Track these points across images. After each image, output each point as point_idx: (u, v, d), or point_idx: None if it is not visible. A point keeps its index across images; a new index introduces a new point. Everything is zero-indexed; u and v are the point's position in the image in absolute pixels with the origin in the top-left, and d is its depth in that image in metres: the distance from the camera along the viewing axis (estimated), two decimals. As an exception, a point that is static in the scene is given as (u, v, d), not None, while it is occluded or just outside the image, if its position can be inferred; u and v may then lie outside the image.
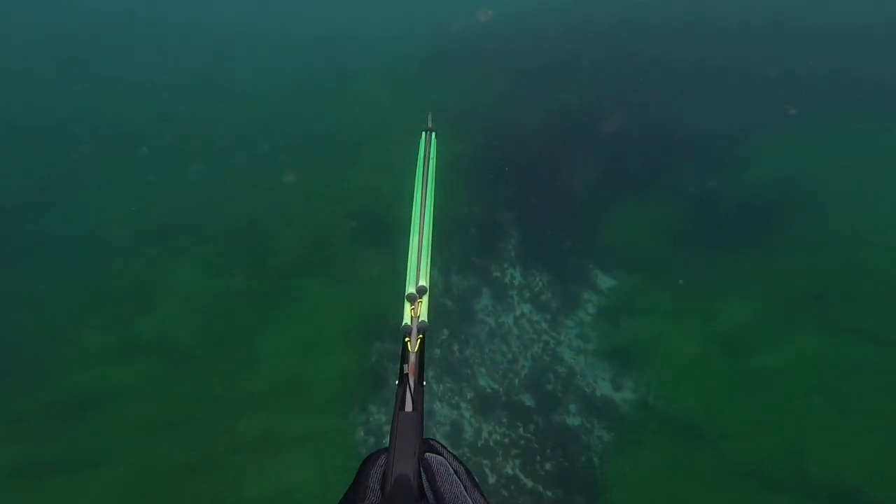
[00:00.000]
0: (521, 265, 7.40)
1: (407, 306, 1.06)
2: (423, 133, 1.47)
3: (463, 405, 6.20)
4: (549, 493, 5.58)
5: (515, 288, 7.23)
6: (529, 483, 5.65)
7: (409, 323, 1.04)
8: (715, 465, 5.55)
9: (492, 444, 5.95)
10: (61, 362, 6.30)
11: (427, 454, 0.83)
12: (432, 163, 1.39)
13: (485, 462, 5.78)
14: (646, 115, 8.71)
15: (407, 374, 0.95)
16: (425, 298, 1.08)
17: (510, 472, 5.74)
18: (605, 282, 7.25)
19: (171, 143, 9.27)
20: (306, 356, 6.19)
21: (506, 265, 7.38)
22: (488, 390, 6.35)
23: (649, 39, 10.81)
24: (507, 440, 5.99)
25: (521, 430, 6.06)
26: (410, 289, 1.07)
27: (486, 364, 6.56)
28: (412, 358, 0.97)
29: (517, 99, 8.91)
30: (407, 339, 1.01)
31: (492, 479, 5.64)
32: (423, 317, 1.06)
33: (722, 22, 10.99)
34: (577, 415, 6.23)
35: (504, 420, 6.14)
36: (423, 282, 1.09)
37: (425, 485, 0.79)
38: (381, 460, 0.83)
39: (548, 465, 5.78)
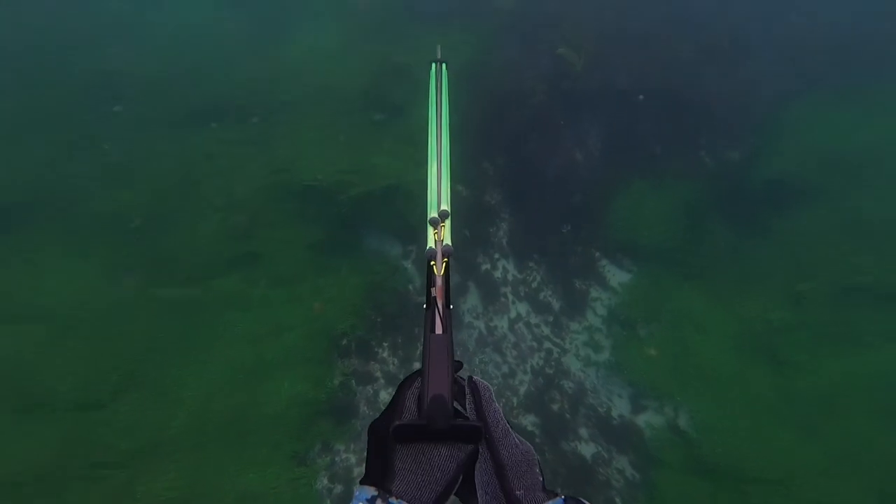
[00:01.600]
0: (514, 255, 6.09)
1: (430, 231, 1.05)
2: (433, 64, 1.39)
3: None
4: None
5: (509, 284, 5.93)
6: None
7: (433, 247, 1.03)
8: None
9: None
10: None
11: (476, 378, 0.89)
12: (445, 92, 1.32)
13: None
14: (658, 75, 7.42)
15: (435, 297, 0.95)
16: (448, 222, 1.08)
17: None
18: (617, 275, 6.06)
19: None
20: (244, 385, 4.61)
21: (497, 255, 6.05)
22: (480, 413, 5.08)
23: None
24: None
25: (523, 465, 4.84)
26: (433, 213, 1.07)
27: (477, 379, 5.27)
28: (439, 281, 0.97)
29: (506, 50, 7.37)
30: (432, 262, 1.00)
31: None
32: (447, 240, 1.05)
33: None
34: (590, 441, 5.06)
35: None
36: (445, 206, 1.08)
37: (469, 406, 0.87)
38: (418, 383, 0.86)
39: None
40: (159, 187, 6.01)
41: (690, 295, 5.80)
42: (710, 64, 7.64)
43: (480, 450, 0.83)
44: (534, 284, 5.95)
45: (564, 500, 0.78)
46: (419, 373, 0.87)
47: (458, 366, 0.92)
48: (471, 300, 5.79)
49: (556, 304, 5.85)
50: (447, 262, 1.03)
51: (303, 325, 5.17)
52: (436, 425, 0.79)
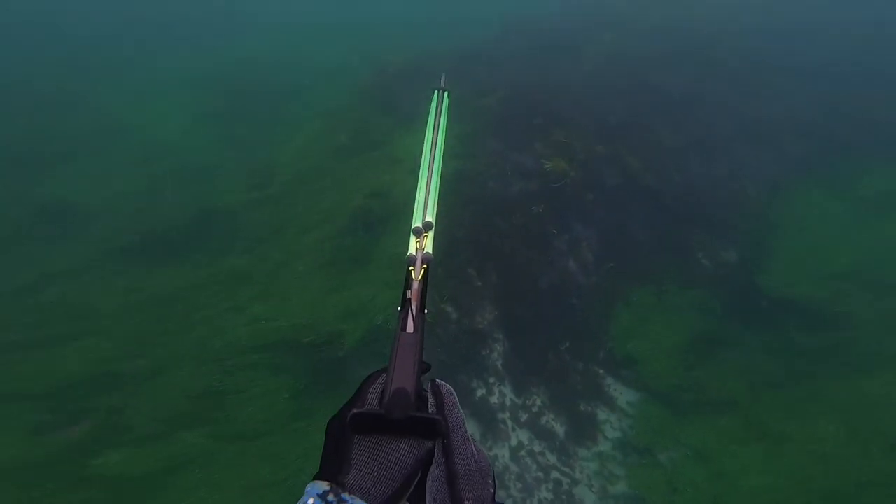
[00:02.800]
0: (511, 378, 5.67)
1: (412, 239, 1.11)
2: (436, 92, 1.48)
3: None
4: None
5: (508, 409, 5.42)
6: None
7: (413, 254, 1.08)
8: None
9: None
10: None
11: (439, 381, 0.88)
12: (444, 118, 1.40)
13: None
14: (652, 169, 7.79)
15: (409, 299, 0.97)
16: (430, 233, 1.13)
17: None
18: (625, 394, 5.57)
19: None
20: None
21: (492, 380, 5.64)
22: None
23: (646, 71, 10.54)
24: None
25: None
26: (417, 223, 1.13)
27: (478, 520, 4.47)
28: (415, 285, 1.00)
29: (491, 156, 7.80)
30: (411, 268, 1.04)
31: None
32: (428, 249, 1.09)
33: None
34: None
35: None
36: (430, 218, 1.14)
37: (431, 408, 0.85)
38: (382, 379, 0.86)
39: None
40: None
41: (719, 421, 5.24)
42: (697, 156, 8.16)
43: (435, 455, 0.81)
44: (534, 409, 5.44)
45: None
46: (385, 369, 0.87)
47: (426, 367, 0.93)
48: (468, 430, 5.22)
49: (560, 430, 5.28)
50: (426, 269, 1.06)
51: (280, 483, 4.55)
52: (394, 415, 0.78)
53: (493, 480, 0.84)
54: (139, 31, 15.23)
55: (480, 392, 5.51)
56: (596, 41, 12.49)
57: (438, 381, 0.89)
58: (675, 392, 5.56)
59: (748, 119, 9.62)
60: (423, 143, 1.36)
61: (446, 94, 1.50)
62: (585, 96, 9.58)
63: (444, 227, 6.39)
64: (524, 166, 7.61)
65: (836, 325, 6.07)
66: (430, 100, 1.51)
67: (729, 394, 5.46)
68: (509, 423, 5.31)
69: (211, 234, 7.12)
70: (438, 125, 1.40)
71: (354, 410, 0.79)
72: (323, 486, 0.74)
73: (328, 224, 6.78)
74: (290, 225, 7.04)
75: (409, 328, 0.93)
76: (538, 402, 5.51)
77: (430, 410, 0.86)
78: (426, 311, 1.00)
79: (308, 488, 0.75)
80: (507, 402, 5.47)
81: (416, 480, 0.80)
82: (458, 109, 8.86)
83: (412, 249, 1.10)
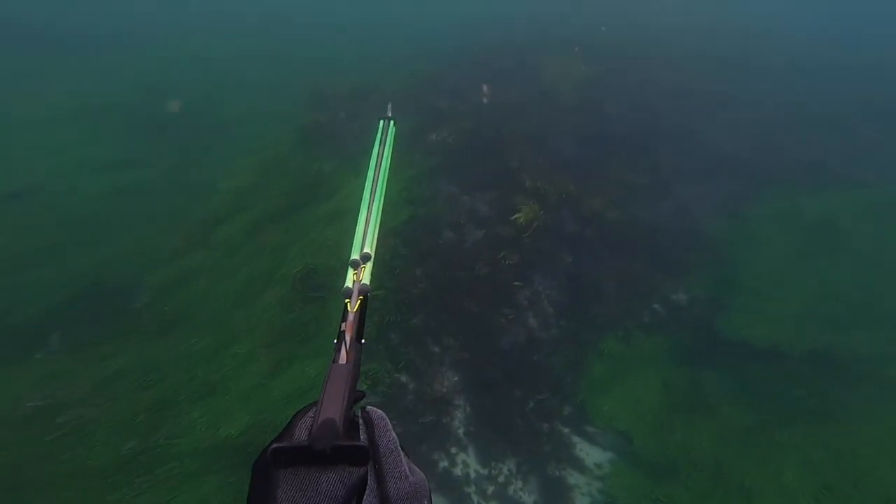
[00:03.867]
0: (474, 447, 5.34)
1: (350, 272, 1.12)
2: (381, 121, 1.48)
3: None
4: None
5: (472, 482, 5.05)
6: None
7: (350, 286, 1.09)
8: None
9: None
10: None
11: (370, 407, 0.89)
12: (388, 148, 1.40)
13: None
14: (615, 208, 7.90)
15: (344, 331, 0.98)
16: (369, 266, 1.14)
17: None
18: (592, 454, 5.33)
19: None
20: None
21: (454, 450, 5.29)
22: None
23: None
24: None
25: None
26: (355, 255, 1.14)
27: None
28: (350, 317, 1.02)
29: (446, 208, 7.58)
30: (347, 300, 1.06)
31: None
32: (366, 281, 1.12)
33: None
34: None
35: None
36: (368, 249, 1.15)
37: (362, 434, 0.85)
38: (312, 412, 0.83)
39: None
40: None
41: (697, 481, 5.05)
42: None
43: (368, 481, 0.80)
44: (500, 479, 5.10)
45: None
46: (315, 403, 0.85)
47: (360, 395, 0.93)
48: (430, 507, 4.79)
49: (529, 500, 4.93)
50: (362, 300, 1.07)
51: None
52: (318, 445, 0.75)
53: (429, 501, 0.83)
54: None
55: (443, 464, 5.14)
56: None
57: (369, 407, 0.89)
58: (647, 450, 5.37)
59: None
60: (365, 176, 1.35)
61: (392, 122, 1.50)
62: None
63: (399, 284, 6.16)
64: (481, 212, 7.55)
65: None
66: (376, 129, 1.52)
67: (700, 447, 5.32)
68: (475, 497, 4.93)
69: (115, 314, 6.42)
70: (383, 155, 1.40)
71: (275, 445, 0.76)
72: None
73: (265, 293, 6.33)
74: (217, 298, 6.55)
75: (342, 359, 0.93)
76: (504, 470, 5.18)
77: (361, 437, 0.85)
78: (363, 341, 1.01)
79: None
80: (472, 474, 5.11)
81: None
82: (412, 147, 8.79)
83: (349, 282, 1.10)
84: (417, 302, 6.12)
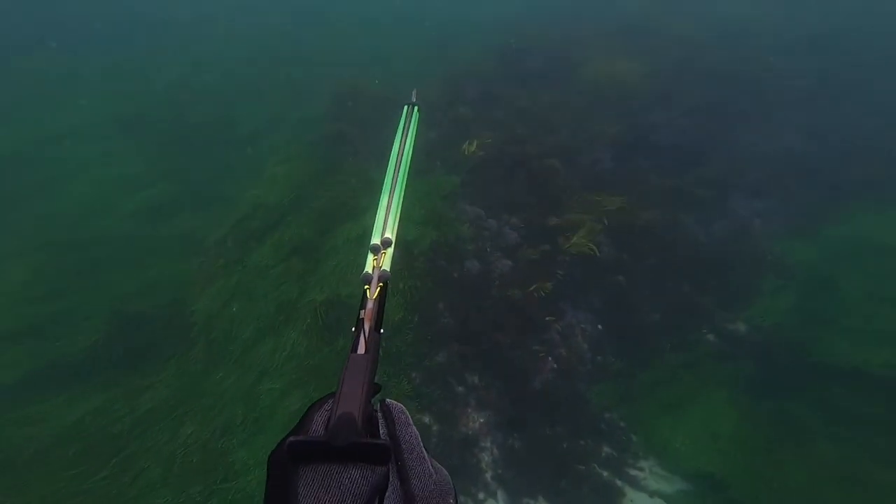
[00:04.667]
0: (505, 491, 4.99)
1: (370, 257, 1.10)
2: (406, 106, 1.49)
3: None
4: None
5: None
6: None
7: (370, 272, 1.06)
8: None
9: None
10: None
11: (389, 400, 0.87)
12: (412, 133, 1.40)
13: None
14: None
15: (363, 319, 0.96)
16: (389, 251, 1.11)
17: None
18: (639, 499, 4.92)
19: None
20: None
21: (482, 495, 4.94)
22: None
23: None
24: None
25: None
26: (375, 240, 1.11)
27: None
28: (369, 304, 0.99)
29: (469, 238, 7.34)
30: (367, 286, 1.03)
31: None
32: (386, 267, 1.08)
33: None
34: None
35: None
36: (390, 234, 1.13)
37: (382, 429, 0.83)
38: (329, 405, 0.81)
39: None
40: None
41: None
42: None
43: (391, 478, 0.77)
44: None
45: None
46: (332, 395, 0.83)
47: (377, 388, 0.90)
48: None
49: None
50: (382, 287, 1.04)
51: None
52: (337, 442, 0.73)
53: (455, 500, 0.81)
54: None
55: (470, 511, 4.80)
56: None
57: (388, 400, 0.88)
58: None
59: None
60: (388, 159, 1.32)
61: (416, 108, 1.50)
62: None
63: (423, 319, 5.88)
64: (509, 239, 7.03)
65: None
66: (400, 115, 1.51)
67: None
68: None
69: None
70: (406, 141, 1.38)
71: (292, 439, 0.74)
72: None
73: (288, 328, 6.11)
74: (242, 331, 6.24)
75: (361, 349, 0.90)
76: (537, 518, 4.81)
77: (381, 432, 0.83)
78: (381, 331, 0.98)
79: None
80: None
81: None
82: (434, 160, 8.20)
83: (369, 268, 1.08)
84: (441, 335, 5.86)
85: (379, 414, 0.85)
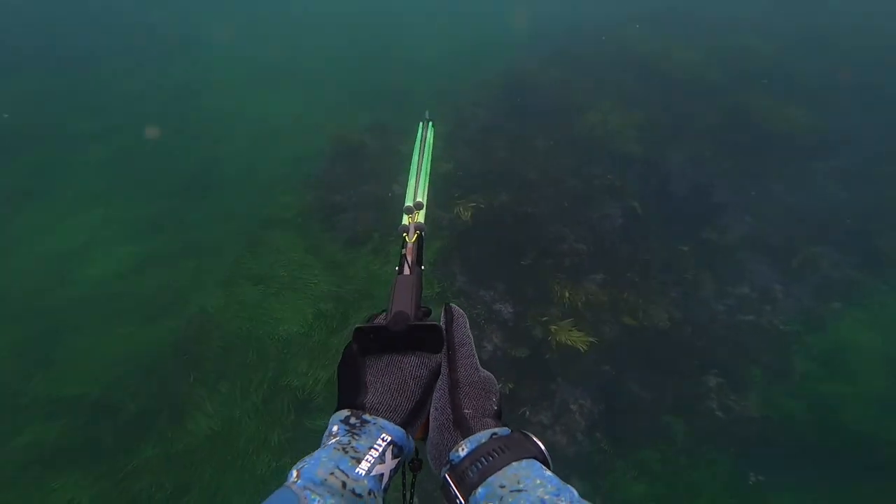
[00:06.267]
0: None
1: (405, 217, 1.16)
2: (421, 123, 1.58)
3: None
4: None
5: None
6: None
7: (406, 224, 1.13)
8: None
9: None
10: None
11: (452, 304, 0.92)
12: (430, 142, 1.47)
13: None
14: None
15: (405, 253, 1.04)
16: (422, 212, 1.18)
17: None
18: None
19: None
20: None
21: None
22: None
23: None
24: None
25: None
26: (409, 202, 1.18)
27: None
28: (409, 244, 1.06)
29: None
30: (405, 234, 1.10)
31: None
32: (420, 220, 1.15)
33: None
34: None
35: None
36: (421, 198, 1.20)
37: (443, 326, 0.87)
38: (384, 315, 0.89)
39: None
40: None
41: None
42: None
43: (442, 367, 0.83)
44: None
45: (511, 432, 0.75)
46: (384, 311, 0.91)
47: (427, 310, 0.95)
48: None
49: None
50: (419, 235, 1.11)
51: None
52: (395, 327, 0.82)
53: (498, 399, 0.83)
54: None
55: None
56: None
57: (452, 304, 0.92)
58: None
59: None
60: (409, 164, 1.41)
61: (430, 123, 1.62)
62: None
63: None
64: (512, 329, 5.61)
65: None
66: (417, 129, 1.61)
67: None
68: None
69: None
70: (424, 147, 1.48)
71: (357, 325, 0.83)
72: (343, 413, 0.77)
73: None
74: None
75: (406, 271, 0.99)
76: None
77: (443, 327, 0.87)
78: (422, 266, 1.06)
79: (331, 419, 0.77)
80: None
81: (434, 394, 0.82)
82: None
83: (405, 221, 1.16)
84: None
85: (441, 314, 0.91)
